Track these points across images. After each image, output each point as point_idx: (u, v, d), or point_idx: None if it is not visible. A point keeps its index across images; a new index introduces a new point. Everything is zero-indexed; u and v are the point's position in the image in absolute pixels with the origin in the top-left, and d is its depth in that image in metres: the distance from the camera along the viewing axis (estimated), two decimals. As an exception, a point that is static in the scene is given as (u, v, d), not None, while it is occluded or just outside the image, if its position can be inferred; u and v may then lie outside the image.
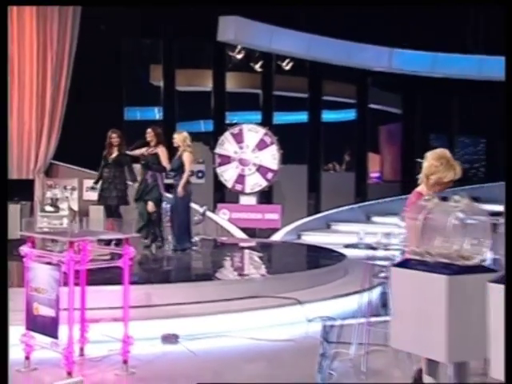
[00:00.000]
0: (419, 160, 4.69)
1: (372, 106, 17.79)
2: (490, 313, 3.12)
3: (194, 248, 9.57)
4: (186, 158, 8.92)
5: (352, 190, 16.57)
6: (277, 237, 12.67)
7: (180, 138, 9.10)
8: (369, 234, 5.76)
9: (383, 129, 19.88)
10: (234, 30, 13.68)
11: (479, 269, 3.44)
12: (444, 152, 4.41)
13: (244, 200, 13.52)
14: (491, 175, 15.86)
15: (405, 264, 3.76)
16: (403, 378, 4.56)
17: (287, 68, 16.06)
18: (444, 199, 3.74)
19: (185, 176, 8.89)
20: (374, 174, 19.99)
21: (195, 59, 15.77)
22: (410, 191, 4.94)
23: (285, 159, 13.71)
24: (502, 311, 3.04)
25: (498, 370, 3.09)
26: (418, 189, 4.44)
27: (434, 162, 4.32)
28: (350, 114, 17.79)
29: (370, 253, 5.45)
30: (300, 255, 10.35)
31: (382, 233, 5.35)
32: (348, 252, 8.38)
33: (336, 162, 19.86)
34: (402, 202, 4.56)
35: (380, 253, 5.32)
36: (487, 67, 14.75)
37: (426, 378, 3.62)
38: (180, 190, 8.89)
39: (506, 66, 3.87)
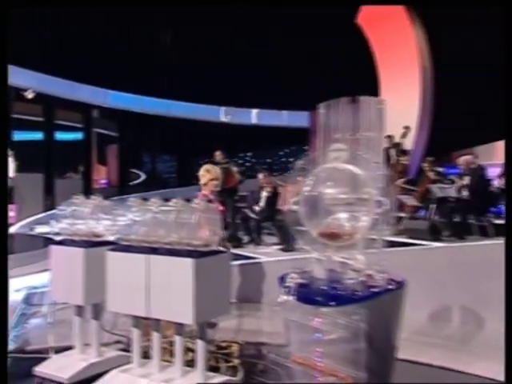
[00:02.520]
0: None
1: (98, 130, 17.79)
2: (108, 269, 3.61)
3: None
4: None
5: (80, 193, 16.32)
6: (12, 230, 11.99)
7: None
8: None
9: (108, 147, 20.01)
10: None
11: (107, 243, 3.88)
12: (204, 166, 5.10)
13: (-16, 201, 12.54)
14: (181, 182, 17.04)
15: (60, 243, 4.09)
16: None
17: (30, 97, 15.22)
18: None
19: None
20: (103, 181, 20.01)
21: None
22: (126, 193, 4.89)
23: (24, 169, 13.10)
24: (115, 268, 3.55)
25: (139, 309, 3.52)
26: (204, 192, 5.00)
27: (200, 173, 5.03)
28: (79, 135, 17.56)
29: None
30: (23, 242, 10.00)
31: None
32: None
33: (72, 171, 19.37)
34: (120, 201, 4.47)
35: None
36: (173, 108, 16.10)
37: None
38: None
39: (506, 66, 3.36)
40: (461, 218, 7.06)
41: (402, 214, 8.26)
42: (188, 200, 4.78)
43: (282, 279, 2.98)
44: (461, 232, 6.96)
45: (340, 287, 2.91)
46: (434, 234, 6.79)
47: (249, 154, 16.78)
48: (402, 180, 8.87)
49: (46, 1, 11.90)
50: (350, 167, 3.09)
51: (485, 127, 10.34)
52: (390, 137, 9.62)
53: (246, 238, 8.39)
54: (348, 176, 3.10)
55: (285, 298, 2.85)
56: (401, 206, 8.60)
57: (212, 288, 3.36)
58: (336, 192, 3.12)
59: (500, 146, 10.93)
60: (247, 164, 15.65)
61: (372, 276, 3.02)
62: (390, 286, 3.01)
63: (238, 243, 8.06)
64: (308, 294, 2.87)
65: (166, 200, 3.75)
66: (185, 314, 3.24)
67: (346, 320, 2.73)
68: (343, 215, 3.15)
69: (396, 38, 11.25)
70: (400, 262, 5.80)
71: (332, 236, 3.01)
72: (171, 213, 3.48)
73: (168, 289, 3.32)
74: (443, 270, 5.71)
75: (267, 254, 7.68)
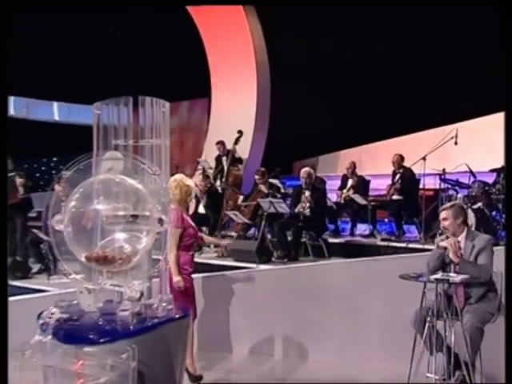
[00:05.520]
0: None
1: None
2: None
3: None
4: None
5: None
6: None
7: None
8: None
9: None
10: None
11: None
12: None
13: None
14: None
15: None
16: None
17: None
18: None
19: None
20: None
21: None
22: None
23: None
24: None
25: None
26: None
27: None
28: None
29: None
30: None
31: None
32: None
33: None
34: None
35: None
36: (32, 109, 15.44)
37: None
38: None
39: (506, 65, 3.90)
40: (294, 237, 7.51)
41: (232, 233, 8.63)
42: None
43: (40, 316, 2.97)
44: (294, 252, 7.43)
45: (111, 321, 2.99)
46: (264, 255, 7.19)
47: (54, 159, 16.04)
48: (234, 194, 9.24)
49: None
50: (128, 179, 3.20)
51: (328, 135, 11.24)
52: (222, 143, 10.02)
53: (36, 267, 8.07)
54: (126, 190, 3.21)
55: (40, 338, 2.85)
56: (230, 224, 9.00)
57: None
58: (112, 208, 3.21)
59: (343, 155, 12.01)
60: (53, 171, 15.14)
61: (151, 305, 3.16)
62: (173, 316, 3.17)
63: (25, 273, 7.75)
64: (70, 332, 2.91)
65: None
66: None
67: (114, 360, 2.82)
68: (121, 235, 3.26)
69: (228, 28, 11.60)
70: (220, 289, 6.17)
71: (103, 260, 3.09)
72: None
73: None
74: (268, 297, 6.14)
75: (62, 285, 7.43)
